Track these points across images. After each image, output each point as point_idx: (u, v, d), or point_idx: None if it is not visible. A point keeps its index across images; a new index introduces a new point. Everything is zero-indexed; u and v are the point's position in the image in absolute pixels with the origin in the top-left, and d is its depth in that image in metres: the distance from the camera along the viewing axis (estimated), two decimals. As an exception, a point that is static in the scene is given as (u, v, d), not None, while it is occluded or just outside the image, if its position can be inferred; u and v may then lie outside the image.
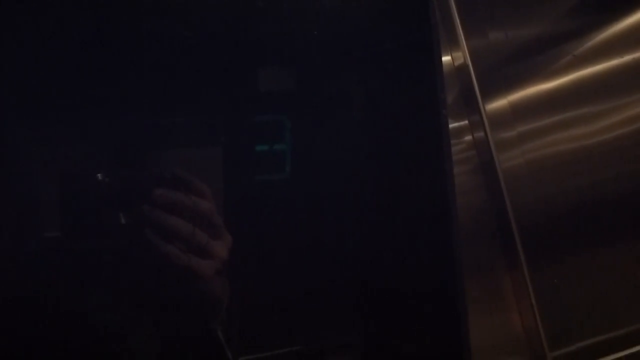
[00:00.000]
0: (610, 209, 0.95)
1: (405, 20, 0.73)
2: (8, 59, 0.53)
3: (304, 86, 0.77)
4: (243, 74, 0.74)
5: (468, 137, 0.88)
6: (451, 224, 0.68)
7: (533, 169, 0.90)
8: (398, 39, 0.74)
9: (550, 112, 0.94)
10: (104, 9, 0.62)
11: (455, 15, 0.88)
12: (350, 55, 0.78)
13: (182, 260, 0.58)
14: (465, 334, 0.69)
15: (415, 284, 0.77)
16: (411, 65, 0.74)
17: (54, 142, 0.61)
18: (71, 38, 0.61)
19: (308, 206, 0.77)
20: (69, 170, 0.57)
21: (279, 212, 0.75)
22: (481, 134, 0.87)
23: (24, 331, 0.54)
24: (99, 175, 0.57)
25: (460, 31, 0.88)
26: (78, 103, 0.61)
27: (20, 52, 0.57)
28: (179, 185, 0.59)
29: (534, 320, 0.84)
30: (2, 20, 0.54)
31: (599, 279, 0.93)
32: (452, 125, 0.86)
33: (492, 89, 0.90)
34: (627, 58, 1.00)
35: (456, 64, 0.88)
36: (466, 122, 0.88)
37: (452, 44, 0.88)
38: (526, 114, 0.92)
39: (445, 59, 0.87)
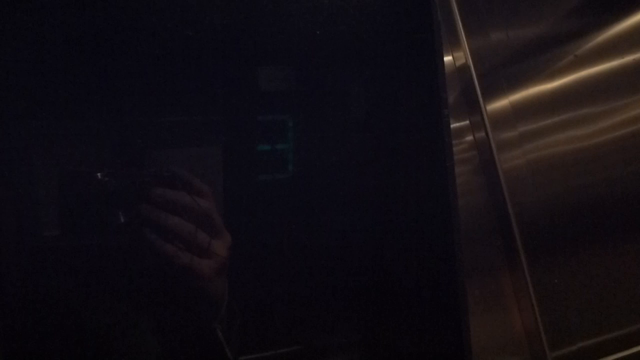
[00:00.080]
0: (611, 209, 0.94)
1: (407, 20, 0.73)
2: (8, 59, 0.53)
3: (307, 86, 0.77)
4: (245, 74, 0.73)
5: (469, 137, 0.88)
6: (452, 224, 0.68)
7: (534, 169, 0.90)
8: (400, 39, 0.74)
9: (552, 113, 0.93)
10: (105, 8, 0.62)
11: (457, 15, 0.87)
12: (352, 55, 0.77)
13: (182, 260, 0.57)
14: (466, 333, 0.69)
15: (417, 283, 0.76)
16: (413, 65, 0.73)
17: (55, 141, 0.61)
18: (71, 37, 0.60)
19: (309, 205, 0.76)
20: (69, 169, 0.56)
21: (280, 212, 0.75)
22: (482, 134, 0.86)
23: (23, 329, 0.54)
24: (99, 174, 0.56)
25: (462, 31, 0.88)
26: (78, 102, 0.61)
27: (20, 51, 0.56)
28: (178, 185, 0.58)
29: (534, 320, 0.84)
30: (1, 20, 0.53)
31: (599, 279, 0.92)
32: (454, 125, 0.85)
33: (494, 89, 0.90)
34: (628, 58, 0.99)
35: (457, 64, 0.88)
36: (467, 122, 0.88)
37: (454, 44, 0.88)
38: (527, 114, 0.92)
39: (447, 59, 0.86)
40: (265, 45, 0.72)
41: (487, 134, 0.85)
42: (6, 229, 0.52)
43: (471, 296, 0.70)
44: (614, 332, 0.92)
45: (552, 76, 0.94)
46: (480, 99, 0.86)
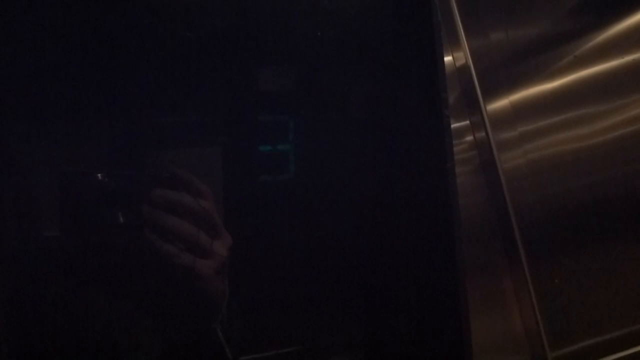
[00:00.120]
0: (612, 209, 0.94)
1: (408, 21, 0.72)
2: (8, 59, 0.53)
3: (307, 87, 0.77)
4: (247, 75, 0.73)
5: (469, 137, 0.87)
6: (453, 224, 0.67)
7: (534, 169, 0.90)
8: (401, 40, 0.74)
9: (552, 113, 0.93)
10: (106, 8, 0.62)
11: (457, 15, 0.87)
12: (353, 56, 0.77)
13: (182, 260, 0.56)
14: (467, 333, 0.69)
15: (417, 283, 0.76)
16: (414, 66, 0.73)
17: (55, 141, 0.61)
18: (72, 37, 0.60)
19: (310, 206, 0.76)
20: (70, 169, 0.56)
21: (281, 212, 0.75)
22: (482, 134, 0.86)
23: (24, 329, 0.54)
24: (99, 174, 0.56)
25: (462, 31, 0.87)
26: (79, 102, 0.61)
27: (20, 51, 0.56)
28: (178, 185, 0.58)
29: (534, 320, 0.84)
30: (2, 20, 0.53)
31: (599, 279, 0.92)
32: (454, 125, 0.85)
33: (494, 89, 0.90)
34: (628, 59, 0.99)
35: (457, 64, 0.88)
36: (467, 122, 0.87)
37: (454, 45, 0.88)
38: (527, 114, 0.91)
39: (447, 59, 0.86)
40: (266, 45, 0.72)
41: (487, 134, 0.85)
42: (7, 229, 0.52)
43: (471, 296, 0.70)
44: (614, 332, 0.92)
45: (552, 76, 0.94)
46: (481, 99, 0.85)
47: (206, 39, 0.67)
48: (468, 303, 0.70)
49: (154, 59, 0.65)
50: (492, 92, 0.89)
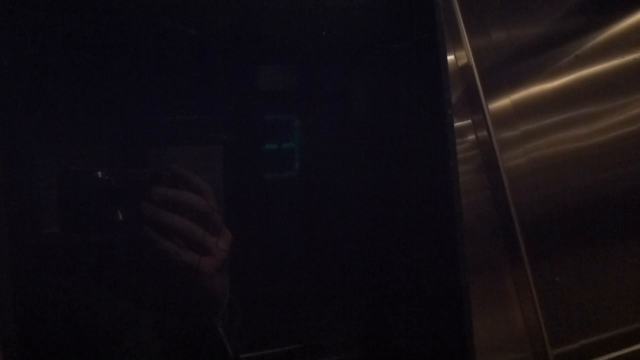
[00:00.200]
0: (613, 207, 0.93)
1: (411, 20, 0.72)
2: (9, 58, 0.52)
3: (312, 86, 0.76)
4: (251, 74, 0.73)
5: (471, 136, 0.87)
6: (456, 223, 0.67)
7: (536, 168, 0.89)
8: (404, 39, 0.73)
9: (553, 112, 0.92)
10: (108, 7, 0.61)
11: (459, 15, 0.87)
12: (357, 56, 0.77)
13: (182, 257, 0.56)
14: (469, 331, 0.68)
15: (420, 281, 0.76)
16: (417, 66, 0.73)
17: (56, 139, 0.60)
18: (73, 36, 0.60)
19: (312, 204, 0.76)
20: (70, 167, 0.56)
21: (282, 210, 0.74)
22: (484, 133, 0.85)
23: (23, 326, 0.53)
24: (99, 172, 0.56)
25: (464, 31, 0.87)
26: (80, 101, 0.60)
27: (21, 50, 0.56)
28: (178, 183, 0.57)
29: (536, 317, 0.83)
30: (3, 19, 0.53)
31: (600, 277, 0.91)
32: (456, 124, 0.84)
33: (495, 89, 0.89)
34: (629, 58, 0.98)
35: (459, 63, 0.87)
36: (469, 121, 0.87)
37: (456, 44, 0.87)
38: (529, 113, 0.91)
39: (449, 58, 0.86)
40: (270, 44, 0.71)
41: (489, 133, 0.84)
42: (7, 225, 0.51)
43: (473, 294, 0.70)
44: (615, 330, 0.91)
45: (553, 76, 0.94)
46: (483, 99, 0.85)
47: (211, 37, 0.67)
48: (470, 301, 0.69)
49: (159, 57, 0.65)
50: (494, 92, 0.89)
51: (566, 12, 0.96)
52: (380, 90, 0.79)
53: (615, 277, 0.93)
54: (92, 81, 0.61)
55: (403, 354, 0.78)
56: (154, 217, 0.56)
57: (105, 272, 0.59)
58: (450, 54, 0.87)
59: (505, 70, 0.91)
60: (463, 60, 0.87)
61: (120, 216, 0.56)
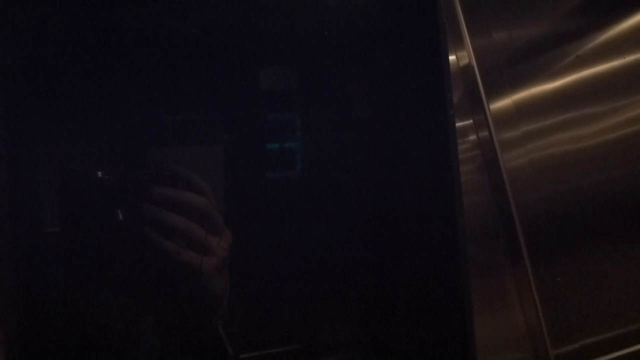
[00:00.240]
0: (614, 208, 0.93)
1: (413, 21, 0.72)
2: (9, 57, 0.52)
3: (313, 85, 0.76)
4: (253, 72, 0.72)
5: (473, 137, 0.86)
6: (458, 222, 0.67)
7: (537, 169, 0.88)
8: (406, 39, 0.73)
9: (554, 112, 0.92)
10: (108, 5, 0.61)
11: (460, 15, 0.86)
12: (359, 55, 0.76)
13: (182, 257, 0.56)
14: (470, 331, 0.68)
15: (421, 281, 0.75)
16: (419, 66, 0.72)
17: (56, 139, 0.60)
18: (73, 35, 0.59)
19: (313, 204, 0.75)
20: (70, 167, 0.55)
21: (283, 209, 0.74)
22: (486, 133, 0.85)
23: (23, 325, 0.53)
24: (99, 172, 0.55)
25: (465, 31, 0.86)
26: (80, 100, 0.60)
27: (21, 49, 0.55)
28: (178, 183, 0.57)
29: (536, 318, 0.83)
30: (1, 19, 0.52)
31: (601, 277, 0.91)
32: (457, 124, 0.83)
33: (497, 89, 0.89)
34: (630, 58, 0.98)
35: (461, 63, 0.87)
36: (471, 121, 0.86)
37: (457, 44, 0.87)
38: (530, 113, 0.90)
39: (451, 58, 0.85)
40: (273, 43, 0.71)
41: (490, 133, 0.84)
42: (7, 225, 0.51)
43: (474, 294, 0.69)
44: (616, 330, 0.91)
45: (554, 76, 0.93)
46: (484, 99, 0.84)
47: (212, 37, 0.66)
48: (472, 301, 0.69)
49: (160, 56, 0.64)
50: (495, 92, 0.88)
51: (567, 13, 0.96)
52: (383, 90, 0.79)
53: (616, 278, 0.92)
54: (92, 81, 0.60)
55: (403, 354, 0.77)
56: (155, 217, 0.55)
57: (105, 271, 0.58)
58: (452, 54, 0.86)
59: (507, 71, 0.91)
60: (464, 61, 0.87)
61: (120, 216, 0.56)
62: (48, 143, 0.59)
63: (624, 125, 0.96)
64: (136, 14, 0.62)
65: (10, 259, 0.50)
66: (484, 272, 0.83)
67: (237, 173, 0.70)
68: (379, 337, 0.79)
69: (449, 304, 0.70)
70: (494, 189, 0.85)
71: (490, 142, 0.84)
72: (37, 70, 0.58)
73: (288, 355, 0.74)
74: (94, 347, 0.59)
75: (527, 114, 0.90)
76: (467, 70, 0.86)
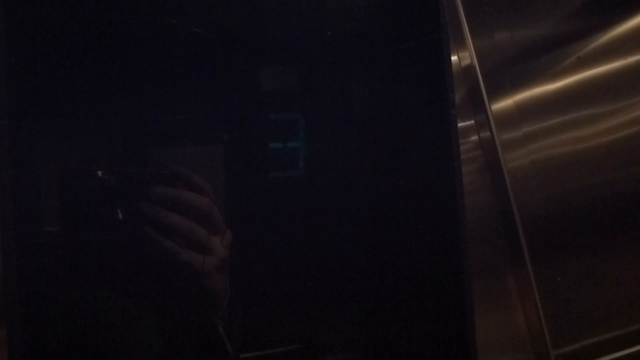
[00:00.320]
0: (615, 209, 0.92)
1: (415, 21, 0.71)
2: (9, 57, 0.51)
3: (315, 85, 0.76)
4: (255, 72, 0.72)
5: (474, 137, 0.85)
6: (459, 223, 0.66)
7: (538, 169, 0.88)
8: (408, 40, 0.73)
9: (556, 113, 0.91)
10: (108, 5, 0.60)
11: (462, 16, 0.86)
12: (361, 55, 0.76)
13: (182, 256, 0.55)
14: (471, 331, 0.68)
15: (422, 281, 0.75)
16: (421, 66, 0.72)
17: (56, 138, 0.59)
18: (73, 35, 0.59)
19: (313, 204, 0.75)
20: (70, 166, 0.55)
21: (284, 209, 0.74)
22: (487, 133, 0.84)
23: (23, 324, 0.53)
24: (99, 172, 0.55)
25: (467, 32, 0.86)
26: (80, 100, 0.59)
27: (21, 49, 0.55)
28: (177, 182, 0.57)
29: (537, 318, 0.82)
30: (1, 18, 0.52)
31: (602, 278, 0.90)
32: (459, 125, 0.83)
33: (498, 90, 0.88)
34: (631, 59, 0.97)
35: (463, 64, 0.86)
36: (472, 122, 0.86)
37: (459, 45, 0.86)
38: (532, 114, 0.89)
39: (452, 59, 0.84)
40: (275, 44, 0.71)
41: (492, 133, 0.83)
42: (7, 224, 0.51)
43: (475, 294, 0.69)
44: (617, 331, 0.90)
45: (556, 77, 0.92)
46: (486, 99, 0.84)
47: (213, 36, 0.66)
48: (473, 301, 0.69)
49: (160, 56, 0.64)
50: (496, 92, 0.87)
51: (569, 14, 0.95)
52: (385, 91, 0.78)
53: (616, 278, 0.92)
54: (92, 80, 0.60)
55: (404, 354, 0.77)
56: (155, 217, 0.55)
57: (105, 271, 0.58)
58: (454, 55, 0.85)
59: (508, 71, 0.90)
60: (466, 61, 0.86)
61: (120, 216, 0.55)
62: (48, 143, 0.59)
63: (626, 126, 0.95)
64: (137, 13, 0.61)
65: (11, 258, 0.50)
66: (485, 272, 0.83)
67: (237, 173, 0.69)
68: (379, 337, 0.79)
69: (450, 304, 0.70)
70: (495, 189, 0.84)
71: (492, 143, 0.83)
72: (38, 70, 0.57)
73: (288, 355, 0.73)
74: (94, 346, 0.59)
75: (529, 114, 0.89)
76: (469, 70, 0.85)
